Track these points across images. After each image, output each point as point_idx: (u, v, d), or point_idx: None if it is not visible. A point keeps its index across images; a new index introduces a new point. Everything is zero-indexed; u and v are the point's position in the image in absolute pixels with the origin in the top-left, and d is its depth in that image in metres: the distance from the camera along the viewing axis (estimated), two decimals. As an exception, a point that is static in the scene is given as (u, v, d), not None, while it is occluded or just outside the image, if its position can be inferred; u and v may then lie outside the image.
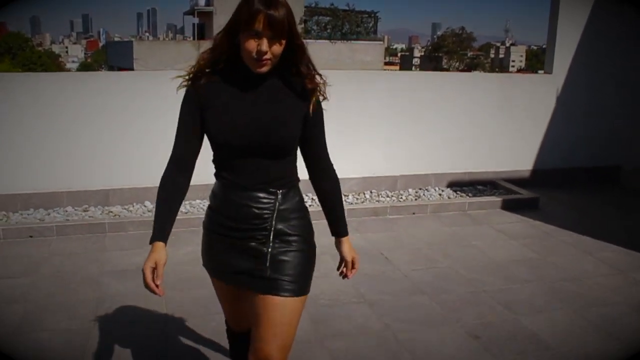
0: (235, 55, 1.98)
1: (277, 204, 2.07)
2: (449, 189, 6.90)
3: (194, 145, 2.07)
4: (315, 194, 2.25)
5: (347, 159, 6.33)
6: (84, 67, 79.14)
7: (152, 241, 2.01)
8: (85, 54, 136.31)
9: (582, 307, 4.01)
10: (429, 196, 6.62)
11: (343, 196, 6.08)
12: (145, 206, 5.86)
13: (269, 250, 2.08)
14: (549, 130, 7.32)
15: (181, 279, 4.26)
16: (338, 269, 2.35)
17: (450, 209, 6.15)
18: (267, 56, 1.90)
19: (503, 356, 3.36)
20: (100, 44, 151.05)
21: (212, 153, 2.10)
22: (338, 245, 2.31)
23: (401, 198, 6.53)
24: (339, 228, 2.28)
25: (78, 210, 5.69)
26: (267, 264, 2.07)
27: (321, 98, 2.07)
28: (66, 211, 5.65)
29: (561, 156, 7.42)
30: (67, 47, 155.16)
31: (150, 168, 5.79)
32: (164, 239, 2.02)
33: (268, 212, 2.06)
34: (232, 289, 2.26)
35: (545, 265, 4.79)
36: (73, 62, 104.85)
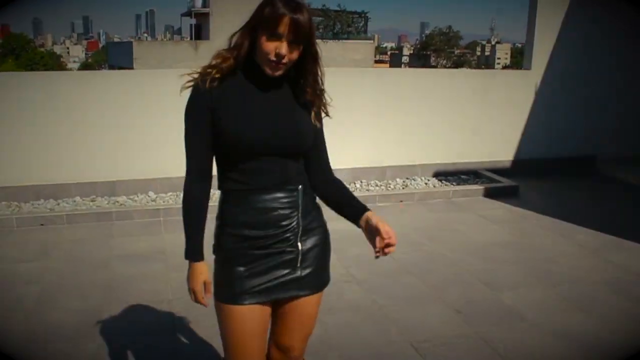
0: (249, 56, 1.92)
1: (300, 200, 2.01)
2: (434, 178, 7.24)
3: (208, 151, 1.97)
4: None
5: (338, 151, 6.48)
6: (85, 67, 79.17)
7: (191, 259, 2.01)
8: (86, 54, 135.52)
9: (556, 284, 4.34)
10: (415, 185, 6.94)
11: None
12: (149, 196, 6.15)
13: (300, 248, 2.03)
14: (529, 123, 7.68)
15: (184, 261, 4.55)
16: (375, 246, 1.95)
17: (435, 197, 6.48)
18: (285, 60, 1.85)
19: (481, 328, 3.66)
20: (101, 45, 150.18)
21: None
22: (366, 222, 2.01)
23: (389, 187, 6.85)
24: (358, 207, 2.07)
25: (86, 200, 5.99)
26: (299, 263, 2.03)
27: (323, 114, 2.05)
28: (75, 201, 5.95)
29: (540, 147, 7.78)
30: (68, 48, 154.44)
31: (154, 160, 6.14)
32: (203, 257, 2.02)
33: (294, 210, 2.00)
34: (253, 310, 2.02)
35: (524, 247, 5.12)
36: (74, 62, 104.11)
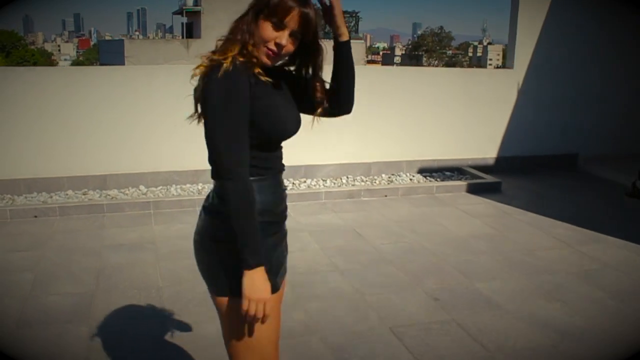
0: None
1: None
2: (419, 174, 7.42)
3: (248, 143, 1.84)
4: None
5: (326, 147, 6.81)
6: (76, 64, 79.34)
7: (262, 263, 1.83)
8: (77, 52, 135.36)
9: (531, 274, 4.51)
10: (400, 180, 7.12)
11: (321, 180, 6.57)
12: (139, 190, 6.30)
13: (286, 230, 2.10)
14: (512, 121, 7.87)
15: (173, 250, 4.75)
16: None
17: (419, 192, 6.65)
18: (284, 51, 1.85)
19: (457, 313, 3.84)
20: (92, 43, 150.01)
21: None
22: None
23: (374, 182, 7.02)
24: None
25: (78, 194, 6.13)
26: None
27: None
28: (67, 194, 6.09)
29: (523, 145, 7.97)
30: (59, 46, 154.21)
31: (145, 155, 6.29)
32: None
33: (285, 192, 2.09)
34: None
35: (502, 240, 5.30)
36: (65, 60, 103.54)
